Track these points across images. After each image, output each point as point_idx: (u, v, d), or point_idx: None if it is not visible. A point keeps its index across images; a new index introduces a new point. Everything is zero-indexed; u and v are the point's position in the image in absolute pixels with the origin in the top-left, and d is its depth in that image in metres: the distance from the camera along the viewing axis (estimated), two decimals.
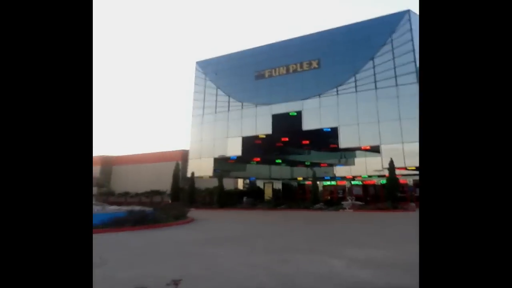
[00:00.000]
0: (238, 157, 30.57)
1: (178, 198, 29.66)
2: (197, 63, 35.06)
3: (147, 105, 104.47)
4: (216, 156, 30.82)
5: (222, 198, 28.33)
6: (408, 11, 25.79)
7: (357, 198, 26.89)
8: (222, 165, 32.06)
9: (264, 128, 29.06)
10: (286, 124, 28.71)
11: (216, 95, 32.67)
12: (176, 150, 38.74)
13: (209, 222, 15.69)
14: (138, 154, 43.39)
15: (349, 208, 22.85)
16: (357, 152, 29.74)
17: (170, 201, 29.18)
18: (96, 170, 40.95)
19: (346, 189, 31.48)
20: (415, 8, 46.35)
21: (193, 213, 18.41)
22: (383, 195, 25.01)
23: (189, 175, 31.23)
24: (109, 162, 44.13)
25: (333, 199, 28.53)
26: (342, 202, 24.53)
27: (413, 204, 24.15)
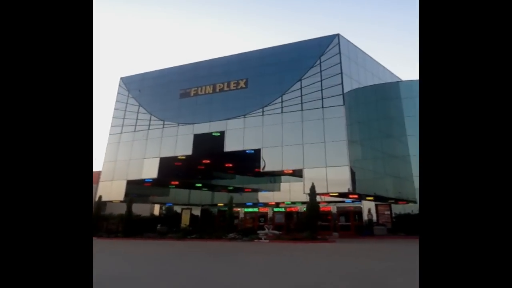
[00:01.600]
0: (155, 180, 27.23)
1: (98, 226, 25.49)
2: (121, 79, 32.20)
3: None
4: (130, 178, 27.18)
5: (128, 226, 24.45)
6: (337, 35, 25.10)
7: (279, 226, 24.33)
8: (137, 188, 28.46)
9: (184, 148, 26.22)
10: (208, 145, 26.17)
11: (138, 113, 29.67)
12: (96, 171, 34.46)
13: None
14: None
15: (265, 239, 20.05)
16: (282, 178, 27.72)
17: None
18: None
19: (268, 216, 28.90)
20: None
21: None
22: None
23: (97, 199, 27.15)
24: None
25: (254, 227, 25.71)
26: (258, 232, 21.76)
27: (336, 234, 21.94)
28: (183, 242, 20.54)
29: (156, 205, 34.47)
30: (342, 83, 23.13)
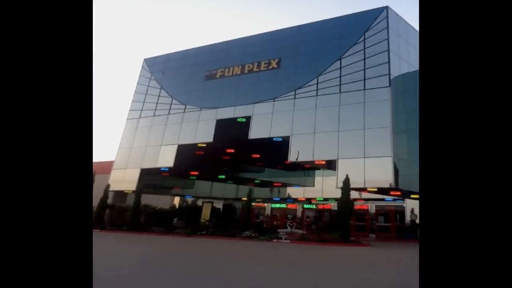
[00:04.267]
0: (172, 170, 24.65)
1: (102, 217, 23.29)
2: (145, 60, 30.09)
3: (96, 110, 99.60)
4: (144, 166, 24.76)
5: (135, 219, 21.98)
6: (386, 8, 21.40)
7: (308, 224, 20.92)
8: (153, 179, 26.11)
9: (205, 135, 23.44)
10: (232, 132, 23.25)
11: (159, 96, 27.31)
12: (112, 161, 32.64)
13: None
14: None
15: (285, 238, 16.75)
16: (316, 172, 24.17)
17: None
18: None
19: (297, 213, 25.56)
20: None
21: None
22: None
23: (111, 188, 24.96)
24: None
25: (279, 225, 22.48)
26: (278, 230, 18.52)
27: (372, 236, 18.33)
28: (188, 239, 17.77)
29: (176, 197, 32.03)
30: (389, 62, 19.46)
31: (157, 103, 27.06)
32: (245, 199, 22.37)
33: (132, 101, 28.41)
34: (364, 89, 19.52)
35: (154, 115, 26.59)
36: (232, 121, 23.11)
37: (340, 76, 20.60)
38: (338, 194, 18.02)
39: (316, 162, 19.57)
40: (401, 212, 23.78)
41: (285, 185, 27.96)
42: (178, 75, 27.68)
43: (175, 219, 24.72)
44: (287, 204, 26.87)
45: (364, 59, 20.39)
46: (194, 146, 24.02)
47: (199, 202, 29.57)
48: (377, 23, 21.15)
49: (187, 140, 24.05)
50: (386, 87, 18.90)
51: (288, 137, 20.41)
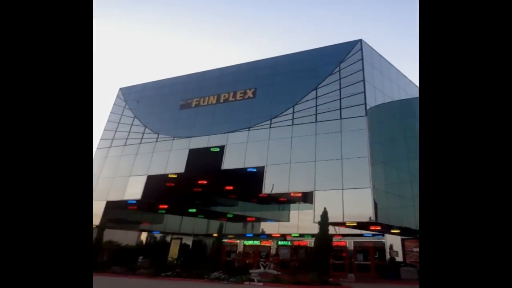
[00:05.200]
0: (140, 203, 23.22)
1: None
2: (121, 89, 29.34)
3: None
4: (111, 199, 23.19)
5: (95, 258, 20.06)
6: (360, 41, 21.58)
7: (283, 263, 19.47)
8: (120, 212, 24.47)
9: (176, 165, 22.29)
10: (205, 163, 22.27)
11: (131, 125, 26.30)
12: None
13: None
14: None
15: (258, 280, 15.21)
16: (291, 206, 23.10)
17: None
18: None
19: (271, 250, 24.07)
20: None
21: None
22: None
23: None
24: None
25: (252, 264, 20.96)
26: (250, 271, 16.94)
27: (351, 276, 17.05)
28: (150, 281, 15.93)
29: (144, 233, 30.16)
30: (364, 91, 19.23)
31: (129, 132, 26.00)
32: (216, 235, 20.94)
33: (104, 130, 27.26)
34: (341, 118, 19.08)
35: (125, 144, 25.41)
36: (206, 150, 22.15)
37: (316, 106, 20.19)
38: (314, 229, 16.89)
39: (292, 194, 18.56)
40: (381, 248, 22.70)
41: (259, 219, 26.68)
42: (152, 104, 26.91)
43: (140, 257, 22.75)
44: (260, 241, 25.40)
45: (340, 89, 20.15)
46: (164, 177, 22.77)
47: (168, 238, 27.79)
48: (352, 55, 21.19)
49: (158, 170, 22.83)
50: (363, 116, 18.50)
51: (263, 167, 19.50)
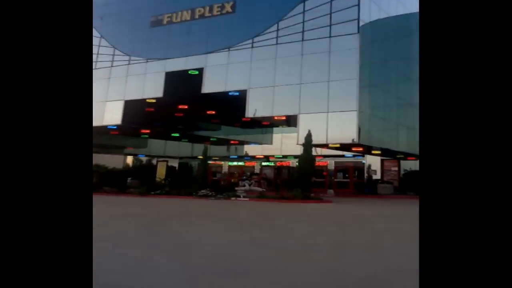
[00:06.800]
0: (122, 128, 22.62)
1: None
2: None
3: None
4: None
5: None
6: None
7: (268, 181, 20.22)
8: (102, 138, 23.79)
9: (153, 90, 21.08)
10: (184, 87, 21.17)
11: (99, 46, 24.01)
12: None
13: None
14: None
15: (244, 196, 16.10)
16: (274, 129, 23.02)
17: None
18: None
19: (255, 171, 24.97)
20: None
21: None
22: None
23: None
24: None
25: (237, 183, 21.82)
26: (236, 188, 17.75)
27: (331, 191, 18.05)
28: (142, 199, 16.80)
29: (129, 157, 30.23)
30: (358, 4, 17.57)
31: (97, 54, 23.84)
32: (201, 157, 20.94)
33: None
34: (330, 36, 17.74)
35: (95, 68, 23.46)
36: (183, 73, 20.79)
37: (303, 22, 18.57)
38: (297, 151, 16.97)
39: (276, 118, 18.17)
40: (360, 168, 23.66)
41: (242, 143, 26.83)
42: (120, 21, 24.28)
43: (129, 178, 23.24)
44: (245, 162, 25.92)
45: (331, 1, 18.35)
46: (143, 102, 21.74)
47: (154, 161, 27.97)
48: None
49: (135, 95, 21.64)
50: (355, 33, 17.21)
51: (245, 91, 18.59)
